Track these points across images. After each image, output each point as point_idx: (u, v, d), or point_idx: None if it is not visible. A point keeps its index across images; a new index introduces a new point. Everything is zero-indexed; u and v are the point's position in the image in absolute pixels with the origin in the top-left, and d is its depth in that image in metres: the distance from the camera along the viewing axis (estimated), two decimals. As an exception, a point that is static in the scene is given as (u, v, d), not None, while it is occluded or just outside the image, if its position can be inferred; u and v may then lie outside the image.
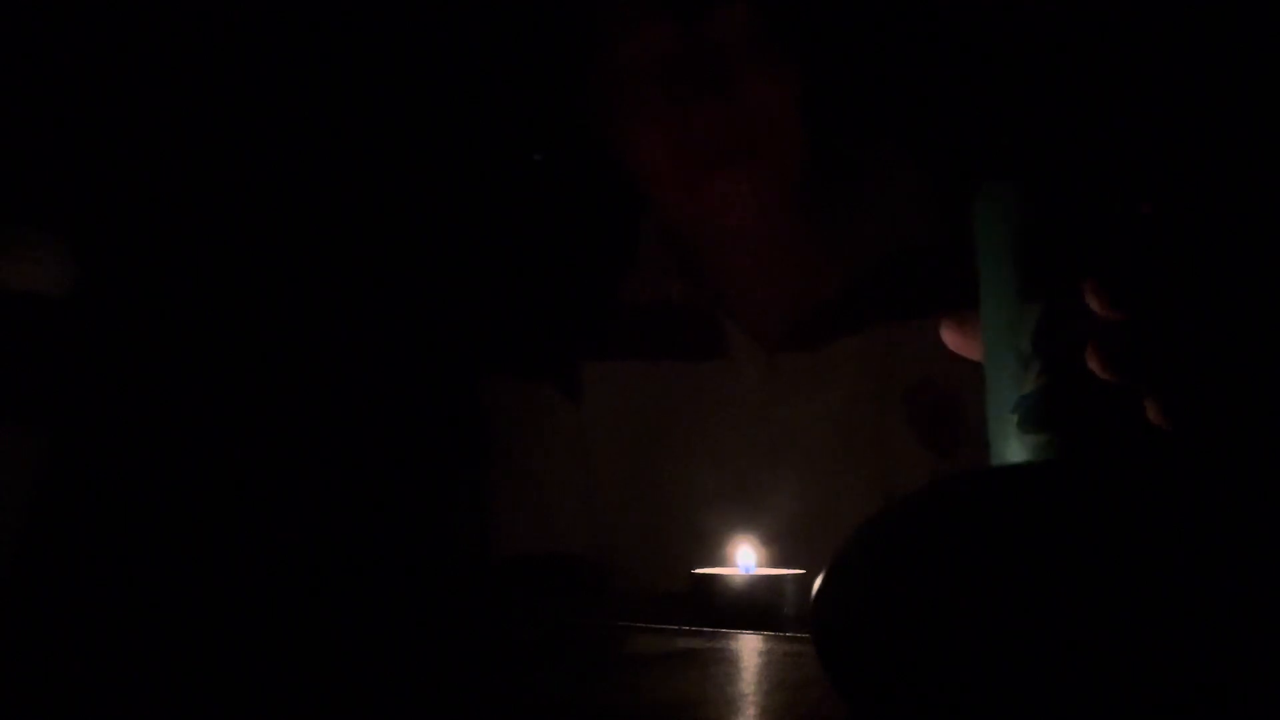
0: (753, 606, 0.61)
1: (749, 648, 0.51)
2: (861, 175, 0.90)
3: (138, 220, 0.83)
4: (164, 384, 0.83)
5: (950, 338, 0.43)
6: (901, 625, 0.29)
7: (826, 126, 0.84)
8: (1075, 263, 0.39)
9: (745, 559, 0.67)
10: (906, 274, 0.85)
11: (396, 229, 0.98)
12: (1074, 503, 0.29)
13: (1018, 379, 0.40)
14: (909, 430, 0.84)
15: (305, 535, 0.87)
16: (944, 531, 0.31)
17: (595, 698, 0.41)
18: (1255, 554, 0.27)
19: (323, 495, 0.90)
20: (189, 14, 0.85)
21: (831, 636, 0.32)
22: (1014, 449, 0.41)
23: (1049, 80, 0.79)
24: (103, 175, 0.81)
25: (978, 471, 0.38)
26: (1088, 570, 0.27)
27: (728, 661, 0.48)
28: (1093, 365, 0.35)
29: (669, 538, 0.82)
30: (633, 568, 0.88)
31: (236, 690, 0.44)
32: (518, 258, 0.96)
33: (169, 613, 0.66)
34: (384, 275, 0.96)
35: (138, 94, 0.83)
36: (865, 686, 0.30)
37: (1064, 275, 0.39)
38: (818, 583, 0.33)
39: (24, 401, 0.61)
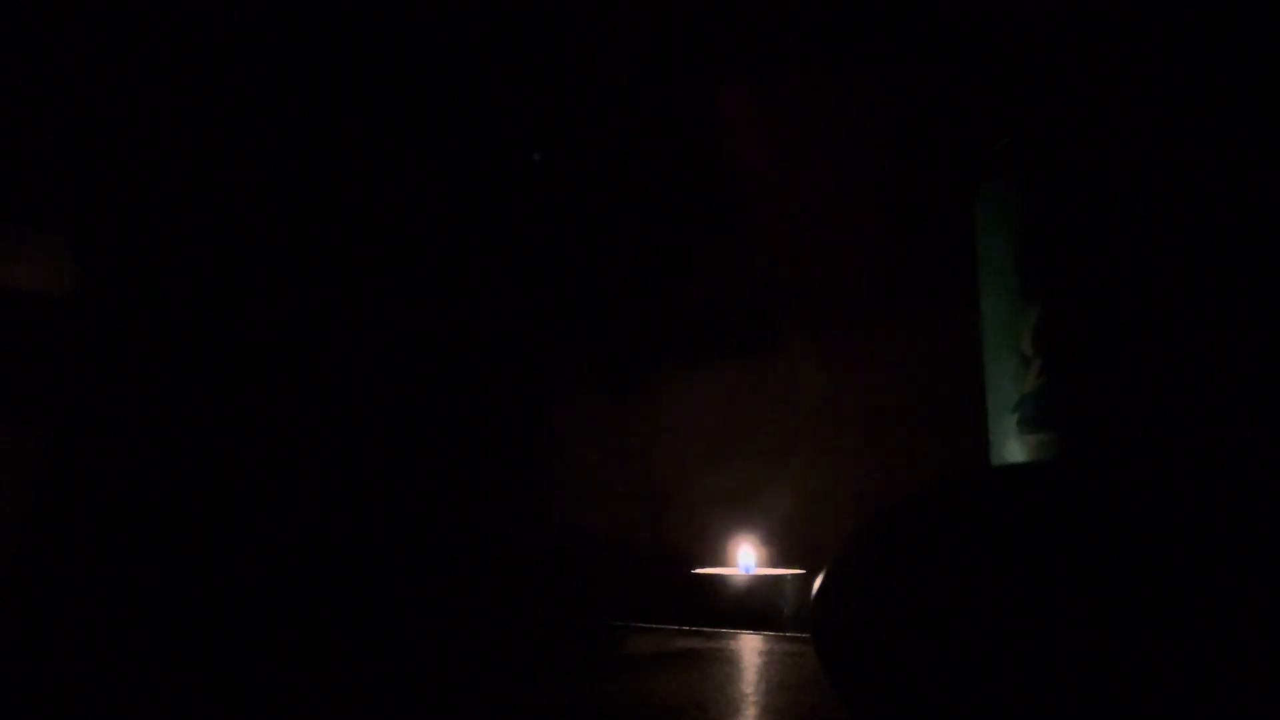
0: (753, 606, 0.61)
1: (749, 648, 0.51)
2: (864, 170, 0.90)
3: (138, 220, 0.83)
4: (164, 384, 0.83)
5: None
6: (901, 625, 0.29)
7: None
8: (1075, 263, 0.39)
9: (745, 559, 0.67)
10: (914, 269, 0.85)
11: (396, 228, 0.98)
12: (1074, 503, 0.29)
13: (1018, 379, 0.40)
14: (920, 425, 0.83)
15: (306, 535, 0.87)
16: (944, 532, 0.31)
17: (595, 698, 0.41)
18: (1255, 554, 0.27)
19: (323, 495, 0.90)
20: (189, 14, 0.85)
21: (831, 636, 0.32)
22: (1014, 449, 0.41)
23: (1049, 79, 0.79)
24: (103, 175, 0.81)
25: (978, 471, 0.38)
26: (1087, 570, 0.27)
27: (728, 661, 0.48)
28: None
29: (674, 539, 0.82)
30: (636, 569, 0.88)
31: (237, 690, 0.44)
32: (521, 262, 0.96)
33: (169, 612, 0.66)
34: (379, 276, 0.96)
35: (138, 94, 0.83)
36: (864, 687, 0.30)
37: (1064, 275, 0.39)
38: (818, 583, 0.33)
39: (24, 401, 0.61)
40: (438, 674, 0.48)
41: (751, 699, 0.39)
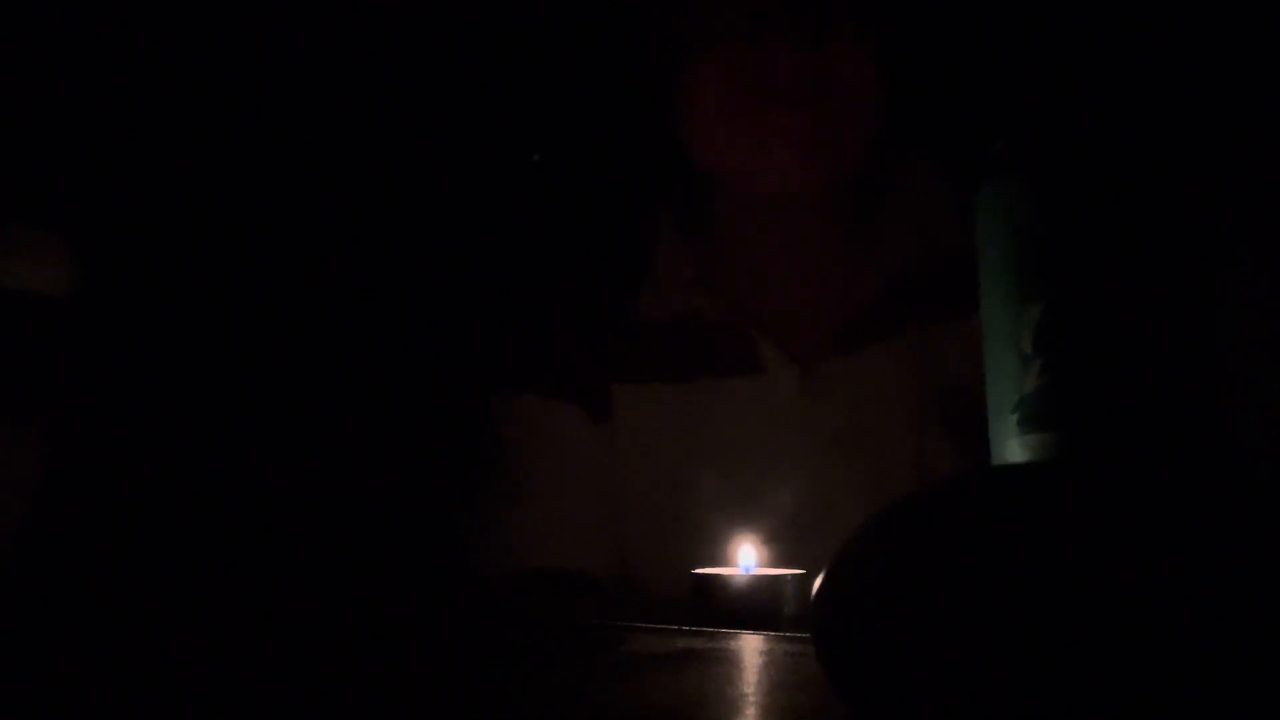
0: (753, 606, 0.61)
1: (749, 648, 0.51)
2: (891, 177, 0.89)
3: (138, 220, 0.83)
4: (165, 385, 0.83)
5: None
6: (902, 625, 0.29)
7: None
8: (1075, 263, 0.39)
9: (745, 559, 0.67)
10: (935, 278, 0.84)
11: (409, 233, 0.98)
12: (1074, 503, 0.29)
13: (1018, 379, 0.40)
14: (941, 437, 0.83)
15: (305, 534, 0.87)
16: (944, 532, 0.31)
17: (595, 698, 0.41)
18: (1256, 554, 0.27)
19: (323, 494, 0.90)
20: (189, 14, 0.85)
21: (831, 636, 0.32)
22: (1014, 449, 0.41)
23: (1049, 79, 0.79)
24: (103, 175, 0.81)
25: (978, 471, 0.38)
26: (1088, 570, 0.27)
27: (728, 661, 0.47)
28: None
29: (689, 551, 0.80)
30: (651, 581, 0.86)
31: (237, 691, 0.44)
32: (534, 273, 0.94)
33: (170, 615, 0.66)
34: (392, 278, 0.96)
35: (138, 94, 0.83)
36: (865, 687, 0.30)
37: (1064, 275, 0.39)
38: (818, 582, 0.33)
39: (24, 402, 0.61)
40: (439, 674, 0.48)
41: (751, 699, 0.39)
